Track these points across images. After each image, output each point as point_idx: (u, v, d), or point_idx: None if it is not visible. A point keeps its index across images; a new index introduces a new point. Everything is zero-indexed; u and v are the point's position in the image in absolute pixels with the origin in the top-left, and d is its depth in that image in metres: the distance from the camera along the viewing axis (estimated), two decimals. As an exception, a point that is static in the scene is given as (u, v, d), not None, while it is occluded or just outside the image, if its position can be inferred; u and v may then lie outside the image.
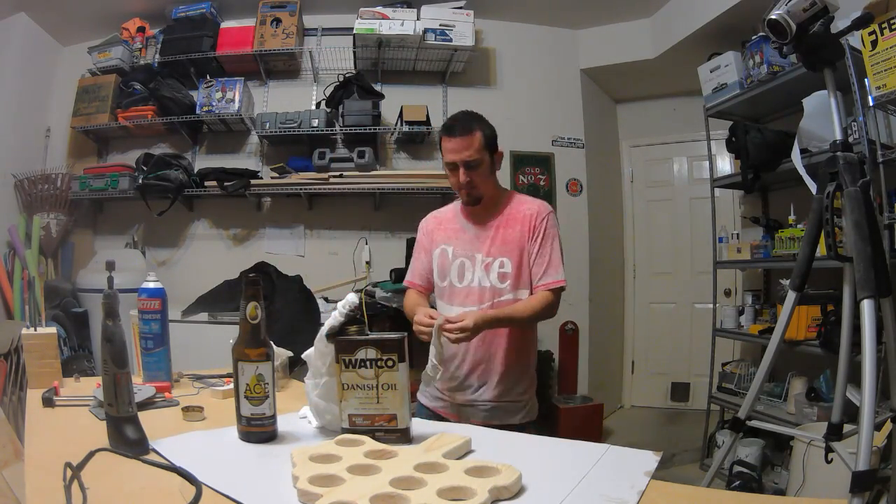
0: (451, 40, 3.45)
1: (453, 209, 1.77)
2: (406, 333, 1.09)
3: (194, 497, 0.78)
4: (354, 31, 3.38)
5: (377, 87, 3.60)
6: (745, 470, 2.69)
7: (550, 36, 4.03)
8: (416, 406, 1.71)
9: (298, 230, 3.69)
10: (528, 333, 1.68)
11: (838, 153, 1.49)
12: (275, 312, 2.86)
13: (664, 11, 3.71)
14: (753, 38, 2.97)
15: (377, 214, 3.67)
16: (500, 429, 1.25)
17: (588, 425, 3.52)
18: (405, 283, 1.79)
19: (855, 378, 1.52)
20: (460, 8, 3.50)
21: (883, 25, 2.08)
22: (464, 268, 1.64)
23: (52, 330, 1.48)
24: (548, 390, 3.68)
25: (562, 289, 1.61)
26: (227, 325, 2.97)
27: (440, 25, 3.44)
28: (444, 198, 3.36)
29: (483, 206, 1.66)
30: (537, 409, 1.70)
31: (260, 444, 1.04)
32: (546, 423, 3.47)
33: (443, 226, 1.74)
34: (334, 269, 3.62)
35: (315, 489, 0.78)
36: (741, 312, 3.27)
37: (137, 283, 1.49)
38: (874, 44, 2.14)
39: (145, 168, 3.36)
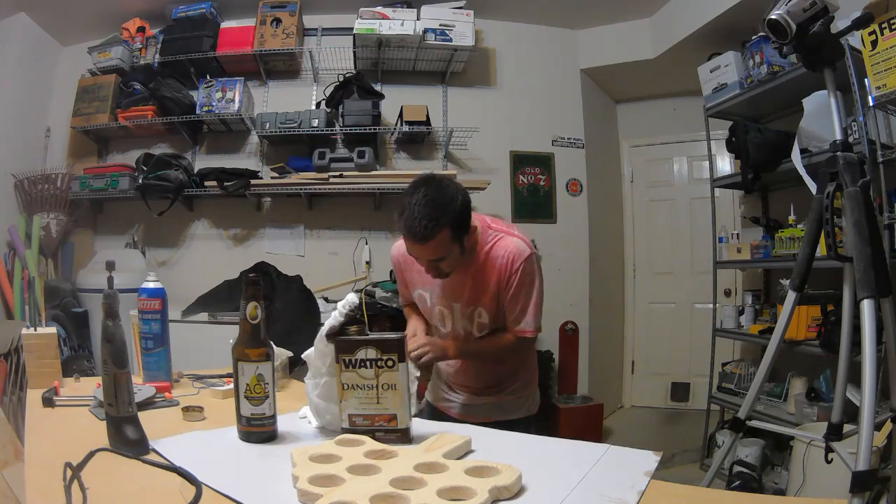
0: (451, 40, 3.44)
1: None
2: (406, 334, 1.09)
3: (194, 497, 0.78)
4: (354, 31, 3.38)
5: (377, 87, 3.60)
6: (745, 470, 2.69)
7: (550, 36, 4.03)
8: (424, 403, 1.76)
9: (298, 230, 3.69)
10: None
11: (838, 153, 1.49)
12: (275, 312, 2.86)
13: (664, 11, 3.71)
14: (753, 38, 2.97)
15: (377, 214, 3.66)
16: (504, 424, 1.26)
17: (588, 425, 3.52)
18: (402, 307, 1.81)
19: (855, 378, 1.52)
20: (460, 8, 3.50)
21: (883, 25, 2.08)
22: (443, 316, 1.61)
23: (52, 330, 1.48)
24: (548, 390, 3.68)
25: (532, 339, 1.57)
26: (227, 325, 2.97)
27: (440, 25, 3.43)
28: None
29: None
30: (539, 403, 1.72)
31: (260, 444, 1.04)
32: (546, 422, 3.47)
33: (415, 266, 1.55)
34: (334, 269, 3.62)
35: (315, 489, 0.78)
36: (741, 312, 3.27)
37: (137, 283, 1.49)
38: (874, 44, 2.14)
39: (145, 168, 3.36)
